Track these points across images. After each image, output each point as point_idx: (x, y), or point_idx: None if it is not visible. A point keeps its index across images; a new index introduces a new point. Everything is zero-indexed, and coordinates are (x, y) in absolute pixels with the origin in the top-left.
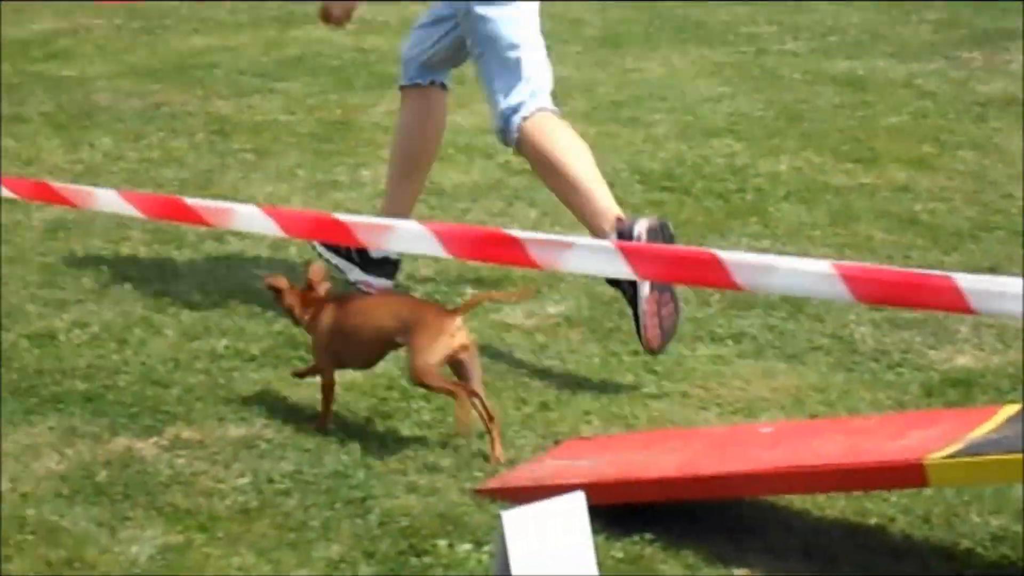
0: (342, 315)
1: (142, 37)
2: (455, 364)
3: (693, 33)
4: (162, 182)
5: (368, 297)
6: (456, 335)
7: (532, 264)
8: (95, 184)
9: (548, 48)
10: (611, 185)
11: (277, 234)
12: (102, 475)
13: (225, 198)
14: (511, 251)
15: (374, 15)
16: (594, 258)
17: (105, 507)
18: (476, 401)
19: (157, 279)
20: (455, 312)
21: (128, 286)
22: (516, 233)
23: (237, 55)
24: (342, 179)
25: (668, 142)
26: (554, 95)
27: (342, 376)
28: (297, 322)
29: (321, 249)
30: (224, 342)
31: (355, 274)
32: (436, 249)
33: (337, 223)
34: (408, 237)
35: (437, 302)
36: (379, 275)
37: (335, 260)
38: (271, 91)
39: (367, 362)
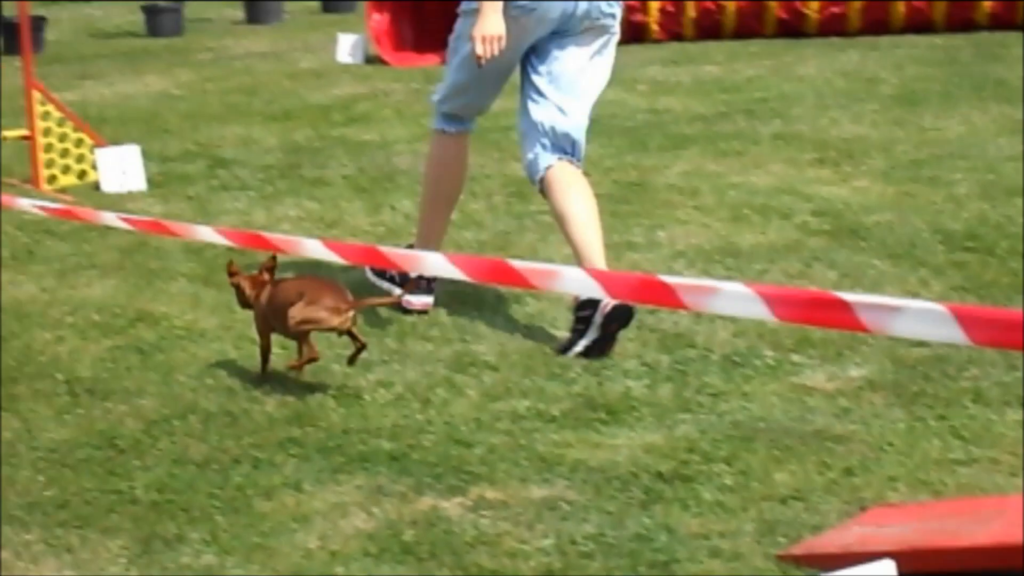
0: (274, 294)
1: None
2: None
3: (993, 91)
4: (462, 244)
5: (292, 280)
6: (338, 318)
7: (861, 328)
8: (398, 246)
9: (844, 107)
10: (912, 246)
11: (600, 296)
12: (408, 534)
13: (523, 258)
14: (840, 314)
15: (667, 76)
16: (925, 321)
17: (412, 566)
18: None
19: (458, 339)
20: (349, 303)
21: (430, 346)
22: (845, 296)
23: None
24: (638, 240)
25: (970, 201)
26: (849, 153)
27: (643, 438)
28: (244, 303)
29: (370, 274)
30: (525, 403)
31: (397, 292)
32: (763, 312)
33: (663, 285)
34: (734, 299)
35: (342, 289)
36: (418, 293)
37: (382, 283)
38: None
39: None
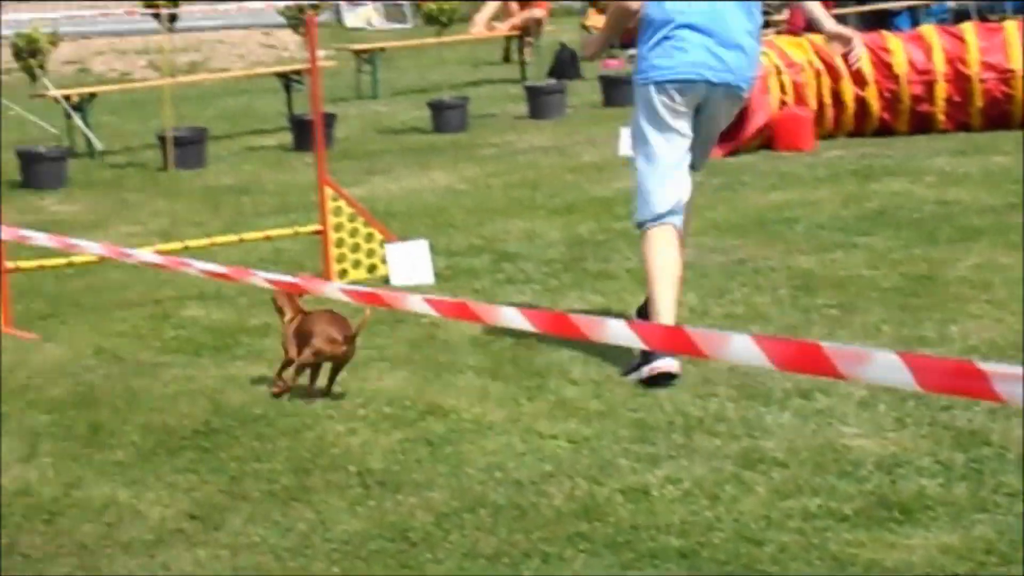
0: (301, 323)
1: (723, 193)
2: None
3: None
4: None
5: (312, 314)
6: (338, 346)
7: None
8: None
9: None
10: None
11: (910, 386)
12: None
13: None
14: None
15: (955, 167)
16: None
17: None
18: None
19: (745, 435)
20: (349, 334)
21: (717, 442)
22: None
23: (817, 209)
24: (929, 335)
25: None
26: None
27: (938, 538)
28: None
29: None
30: (816, 501)
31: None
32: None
33: (978, 372)
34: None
35: (344, 322)
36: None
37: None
38: (853, 245)
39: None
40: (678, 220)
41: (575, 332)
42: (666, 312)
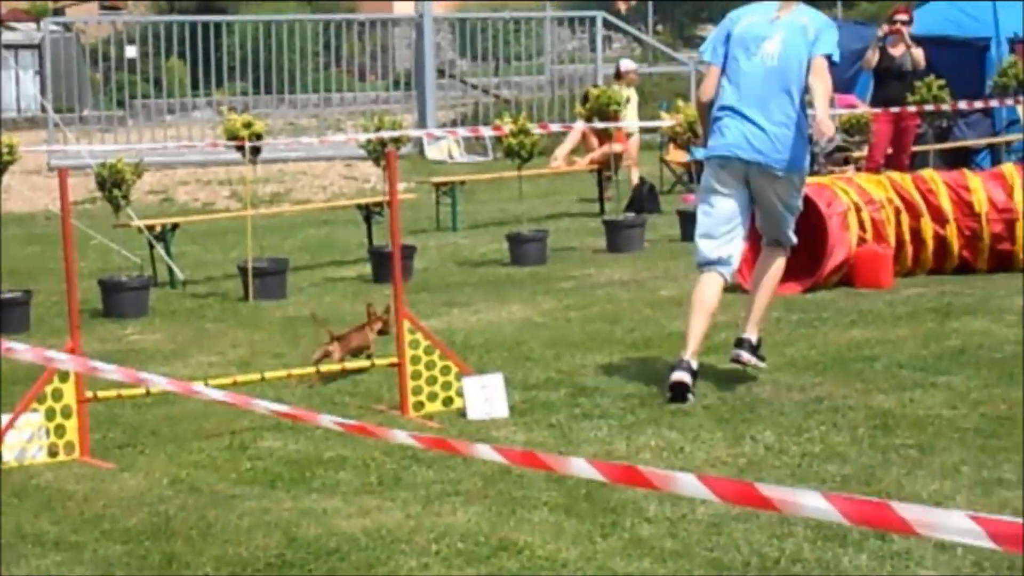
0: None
1: (801, 330)
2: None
3: None
4: (825, 477)
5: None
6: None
7: None
8: (758, 479)
9: None
10: None
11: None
12: None
13: (888, 496)
14: None
15: None
16: None
17: None
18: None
19: None
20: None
21: None
22: None
23: (896, 347)
24: (1009, 476)
25: None
26: None
27: None
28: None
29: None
30: None
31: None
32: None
33: None
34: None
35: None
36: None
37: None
38: (932, 385)
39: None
40: (727, 271)
41: (645, 483)
42: (692, 341)
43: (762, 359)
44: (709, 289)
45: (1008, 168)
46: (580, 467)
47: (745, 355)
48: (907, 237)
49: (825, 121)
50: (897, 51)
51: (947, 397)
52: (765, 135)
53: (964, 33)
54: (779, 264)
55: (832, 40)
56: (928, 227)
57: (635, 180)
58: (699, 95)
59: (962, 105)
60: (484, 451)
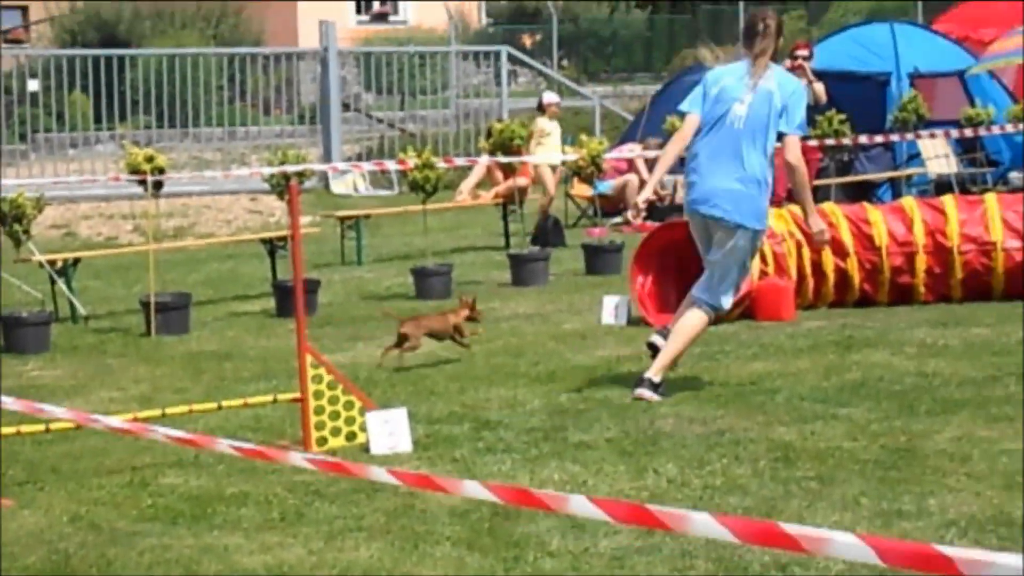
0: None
1: (703, 363)
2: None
3: None
4: (726, 510)
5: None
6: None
7: None
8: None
9: None
10: None
11: (874, 563)
12: None
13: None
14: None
15: (935, 339)
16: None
17: None
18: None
19: None
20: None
21: None
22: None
23: (798, 380)
24: (908, 508)
25: None
26: None
27: None
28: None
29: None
30: None
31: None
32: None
33: (940, 555)
34: (1011, 573)
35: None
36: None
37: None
38: (833, 417)
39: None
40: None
41: (540, 504)
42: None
43: (662, 395)
44: (687, 318)
45: (908, 202)
46: (472, 489)
47: (647, 393)
48: (808, 270)
49: (817, 223)
50: None
51: (848, 429)
52: (723, 191)
53: (865, 68)
54: (698, 319)
55: (800, 110)
56: (829, 260)
57: (542, 209)
58: (678, 134)
59: (863, 139)
60: (379, 474)
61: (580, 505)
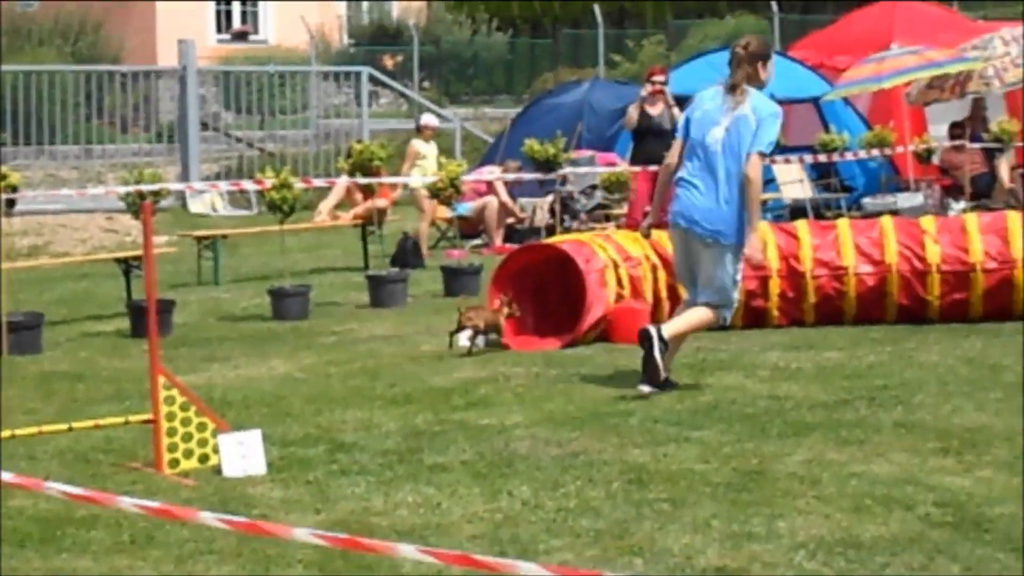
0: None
1: (559, 385)
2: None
3: None
4: (579, 532)
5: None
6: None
7: None
8: (514, 534)
9: (967, 394)
10: None
11: None
12: None
13: (641, 549)
14: None
15: (788, 362)
16: None
17: None
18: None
19: None
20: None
21: None
22: None
23: (652, 403)
24: (758, 530)
25: None
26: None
27: None
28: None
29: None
30: None
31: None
32: None
33: None
34: None
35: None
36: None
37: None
38: (686, 439)
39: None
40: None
41: (370, 550)
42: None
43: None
44: (687, 313)
45: (762, 226)
46: (303, 536)
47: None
48: (664, 294)
49: (755, 247)
50: (656, 110)
51: (700, 452)
52: (701, 208)
53: None
54: (704, 312)
55: (769, 134)
56: None
57: (421, 232)
58: (665, 161)
59: None
60: (207, 518)
61: (408, 552)
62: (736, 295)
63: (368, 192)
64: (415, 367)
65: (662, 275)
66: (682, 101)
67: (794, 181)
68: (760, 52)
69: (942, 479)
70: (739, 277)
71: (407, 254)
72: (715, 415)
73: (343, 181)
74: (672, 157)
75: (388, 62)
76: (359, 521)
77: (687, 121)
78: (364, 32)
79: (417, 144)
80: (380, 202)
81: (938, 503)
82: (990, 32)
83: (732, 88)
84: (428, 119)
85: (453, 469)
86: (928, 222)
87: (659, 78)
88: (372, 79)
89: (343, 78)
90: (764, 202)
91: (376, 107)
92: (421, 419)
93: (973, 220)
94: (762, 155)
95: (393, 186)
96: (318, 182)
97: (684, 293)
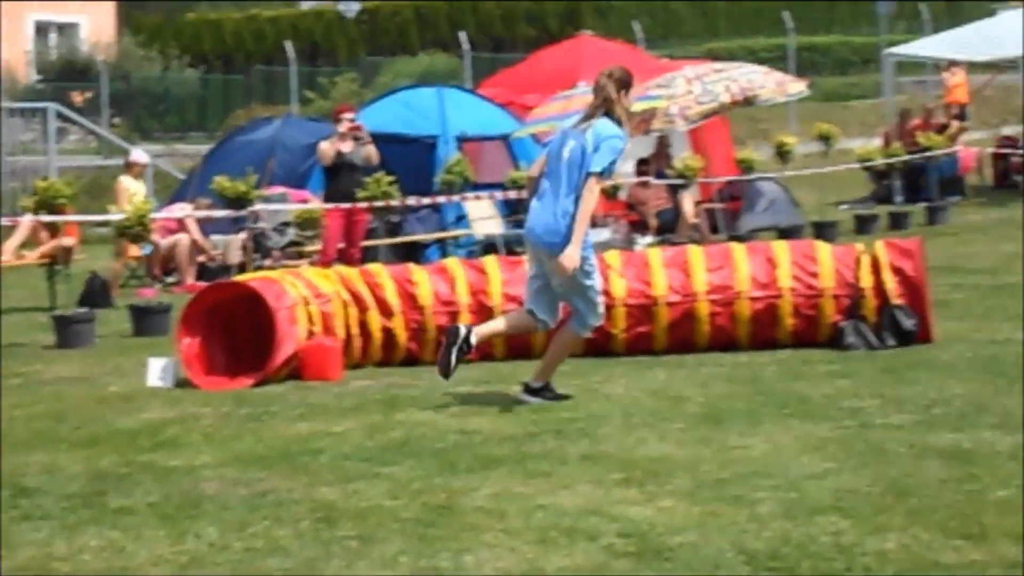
0: None
1: (249, 424)
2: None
3: (796, 408)
4: (267, 572)
5: None
6: None
7: None
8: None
9: (651, 425)
10: (716, 566)
11: None
12: None
13: None
14: None
15: (478, 397)
16: None
17: None
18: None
19: None
20: None
21: None
22: None
23: (343, 439)
24: (445, 565)
25: (773, 520)
26: (655, 473)
27: None
28: None
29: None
30: None
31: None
32: None
33: None
34: None
35: None
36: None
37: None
38: (376, 476)
39: None
40: (538, 315)
41: None
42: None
43: (550, 398)
44: (517, 320)
45: (451, 262)
46: None
47: (524, 396)
48: (355, 330)
49: (571, 258)
50: (347, 147)
51: (390, 488)
52: (548, 221)
53: (413, 131)
54: (571, 334)
55: (607, 155)
56: (375, 320)
57: (115, 272)
58: (527, 174)
59: (411, 201)
60: None
61: None
62: (599, 299)
63: (54, 231)
64: (102, 408)
65: (353, 311)
66: (376, 138)
67: (486, 217)
68: (617, 81)
69: (626, 509)
70: (597, 283)
71: (95, 293)
72: (405, 450)
73: (27, 220)
74: (533, 170)
75: (77, 98)
76: (41, 567)
77: (552, 141)
78: (52, 67)
79: (126, 181)
80: (66, 240)
81: (621, 533)
82: (673, 71)
83: (590, 114)
84: (137, 155)
85: (139, 512)
86: (612, 257)
87: (347, 116)
88: (60, 116)
89: (30, 115)
90: (456, 238)
91: (66, 144)
92: (107, 461)
93: (656, 254)
94: (599, 176)
95: (81, 224)
96: (4, 221)
97: (525, 299)
